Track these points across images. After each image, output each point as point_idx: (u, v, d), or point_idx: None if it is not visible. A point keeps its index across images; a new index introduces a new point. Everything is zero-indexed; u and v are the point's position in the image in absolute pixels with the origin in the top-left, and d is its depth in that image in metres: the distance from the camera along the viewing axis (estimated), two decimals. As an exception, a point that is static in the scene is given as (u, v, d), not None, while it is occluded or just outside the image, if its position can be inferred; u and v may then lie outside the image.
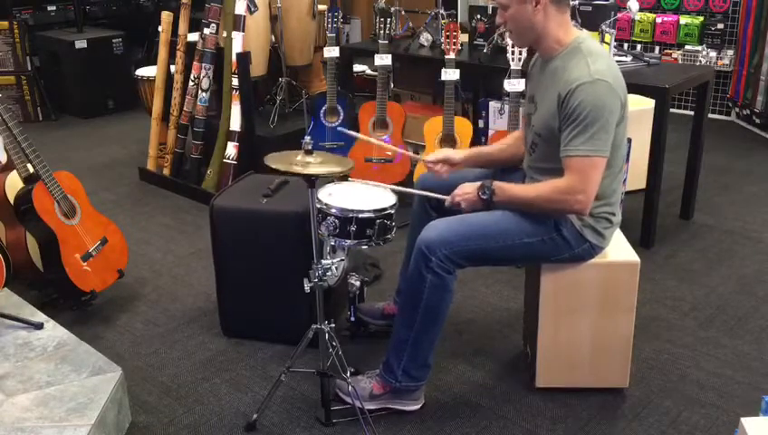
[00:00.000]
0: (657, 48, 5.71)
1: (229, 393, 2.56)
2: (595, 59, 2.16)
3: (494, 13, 3.88)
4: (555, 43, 2.25)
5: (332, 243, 2.33)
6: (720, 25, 5.47)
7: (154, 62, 4.66)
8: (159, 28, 4.52)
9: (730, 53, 5.47)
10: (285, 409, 2.46)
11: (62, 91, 6.12)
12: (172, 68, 4.49)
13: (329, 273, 2.24)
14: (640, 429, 2.35)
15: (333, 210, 2.26)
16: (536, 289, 2.42)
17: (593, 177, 2.15)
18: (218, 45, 4.21)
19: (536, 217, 2.28)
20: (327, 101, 4.12)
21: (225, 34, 4.12)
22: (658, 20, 5.68)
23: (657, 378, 2.60)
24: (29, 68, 5.88)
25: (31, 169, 2.91)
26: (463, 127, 3.80)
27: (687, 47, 5.60)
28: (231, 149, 4.14)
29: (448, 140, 3.78)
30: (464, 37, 4.01)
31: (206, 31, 4.20)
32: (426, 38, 4.18)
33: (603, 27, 3.54)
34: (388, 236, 2.33)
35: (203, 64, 4.26)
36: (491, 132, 4.01)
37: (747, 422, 1.63)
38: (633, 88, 3.23)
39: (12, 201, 2.95)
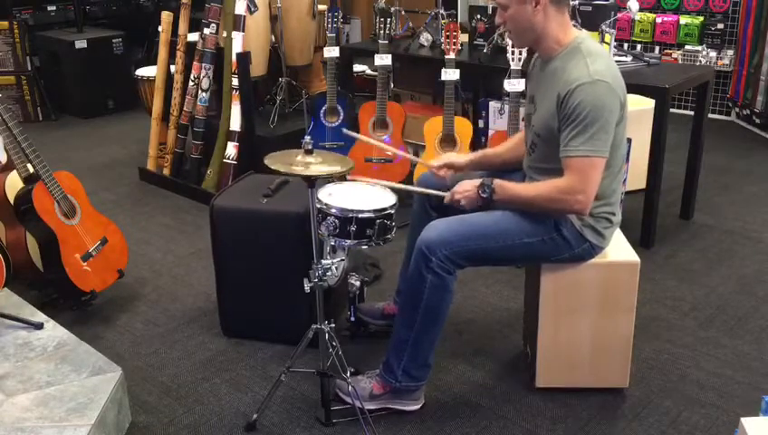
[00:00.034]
0: (657, 48, 5.71)
1: (229, 393, 2.56)
2: (594, 59, 2.16)
3: (494, 13, 3.87)
4: (555, 44, 2.25)
5: (332, 243, 2.33)
6: (720, 25, 5.47)
7: (154, 62, 4.66)
8: (159, 28, 4.53)
9: (730, 53, 5.47)
10: (285, 409, 2.46)
11: (62, 91, 6.12)
12: (172, 68, 4.49)
13: (329, 273, 2.24)
14: (640, 429, 2.35)
15: (333, 210, 2.26)
16: (536, 289, 2.42)
17: (593, 177, 2.15)
18: (218, 45, 4.21)
19: (536, 217, 2.28)
20: (327, 101, 4.12)
21: (225, 34, 4.12)
22: (658, 20, 5.68)
23: (657, 378, 2.60)
24: (29, 68, 5.88)
25: (31, 169, 2.91)
26: (463, 127, 3.79)
27: (687, 47, 5.60)
28: (231, 149, 4.14)
29: (448, 140, 3.78)
30: (464, 37, 4.01)
31: (206, 31, 4.20)
32: (426, 38, 4.18)
33: (603, 27, 3.54)
34: (388, 236, 2.32)
35: (203, 64, 4.26)
36: (491, 132, 4.01)
37: (747, 422, 1.63)
38: (633, 88, 3.24)
39: (12, 201, 2.95)
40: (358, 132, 4.03)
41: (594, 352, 2.45)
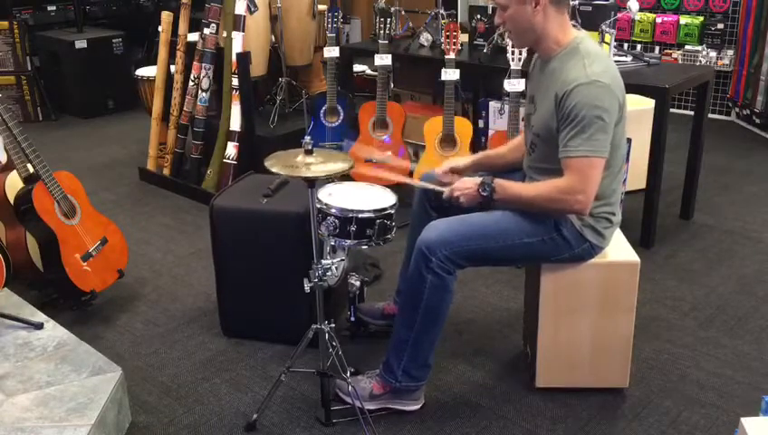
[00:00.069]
0: (657, 48, 5.71)
1: (229, 393, 2.56)
2: (592, 60, 2.16)
3: (493, 13, 3.85)
4: (554, 44, 2.25)
5: (332, 243, 2.33)
6: (720, 25, 5.47)
7: (154, 62, 4.66)
8: (159, 28, 4.53)
9: (730, 53, 5.46)
10: (285, 409, 2.46)
11: (62, 91, 6.12)
12: (172, 68, 4.49)
13: (329, 273, 2.24)
14: (640, 429, 2.35)
15: (333, 210, 2.26)
16: (536, 289, 2.42)
17: (592, 177, 2.15)
18: (218, 45, 4.21)
19: (536, 217, 2.28)
20: (327, 101, 4.13)
21: (225, 34, 4.12)
22: (658, 20, 5.68)
23: (657, 378, 2.60)
24: (29, 68, 5.88)
25: (31, 169, 2.91)
26: (463, 127, 3.79)
27: (687, 47, 5.60)
28: (231, 149, 4.14)
29: (448, 140, 3.78)
30: (464, 37, 4.01)
31: (206, 31, 4.20)
32: (426, 38, 4.18)
33: (603, 27, 3.54)
34: (388, 236, 2.32)
35: (203, 64, 4.26)
36: (491, 132, 4.01)
37: (747, 422, 1.63)
38: (633, 88, 3.24)
39: (12, 201, 2.95)
40: (358, 132, 4.05)
41: (594, 352, 2.45)
